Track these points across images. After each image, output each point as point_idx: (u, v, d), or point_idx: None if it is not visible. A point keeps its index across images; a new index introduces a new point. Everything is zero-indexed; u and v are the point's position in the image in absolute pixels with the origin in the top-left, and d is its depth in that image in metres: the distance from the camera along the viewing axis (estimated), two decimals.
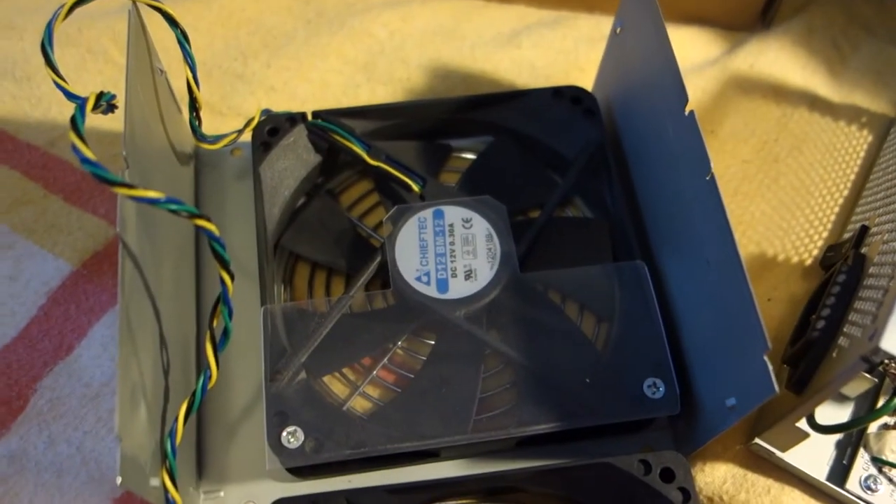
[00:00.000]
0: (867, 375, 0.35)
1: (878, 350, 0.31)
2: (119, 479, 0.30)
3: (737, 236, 0.35)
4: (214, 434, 0.43)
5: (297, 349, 0.41)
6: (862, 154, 0.54)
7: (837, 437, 0.42)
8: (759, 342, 0.32)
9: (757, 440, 0.41)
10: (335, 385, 0.43)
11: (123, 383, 0.32)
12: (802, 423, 0.38)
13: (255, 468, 0.41)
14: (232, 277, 0.35)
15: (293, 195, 0.48)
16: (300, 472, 0.41)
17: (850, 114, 0.56)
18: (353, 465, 0.41)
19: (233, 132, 0.48)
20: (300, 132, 0.49)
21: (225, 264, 0.35)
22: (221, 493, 0.41)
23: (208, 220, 0.33)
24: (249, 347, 0.44)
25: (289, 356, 0.41)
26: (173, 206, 0.32)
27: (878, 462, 0.41)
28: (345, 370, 0.43)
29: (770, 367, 0.32)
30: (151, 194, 0.31)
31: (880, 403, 0.42)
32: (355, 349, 0.43)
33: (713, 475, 0.42)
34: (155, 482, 0.34)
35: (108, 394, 0.43)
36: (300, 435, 0.38)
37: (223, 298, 0.36)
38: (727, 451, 0.43)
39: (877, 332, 0.31)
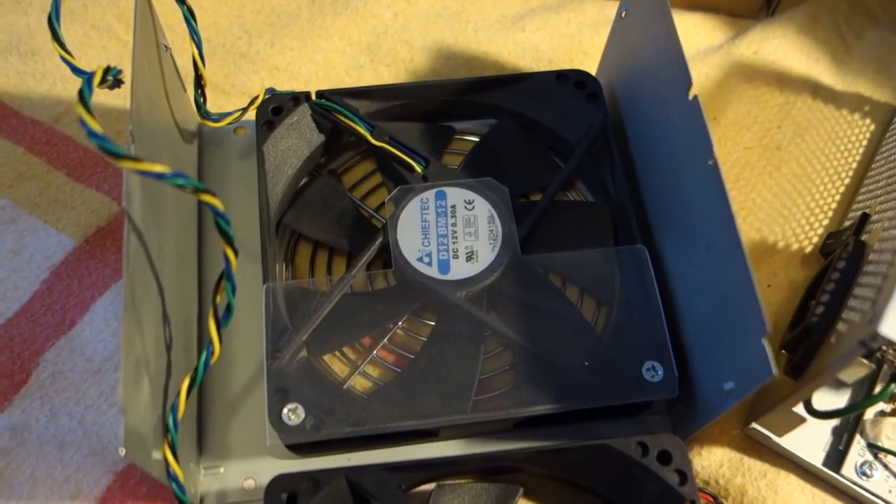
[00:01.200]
0: (865, 361, 0.35)
1: (876, 335, 0.31)
2: (122, 451, 0.30)
3: (738, 222, 0.35)
4: (215, 411, 0.43)
5: (299, 327, 0.41)
6: (864, 143, 0.55)
7: (834, 423, 0.42)
8: (759, 325, 0.32)
9: (754, 425, 0.42)
10: (336, 364, 0.43)
11: (127, 357, 0.32)
12: (799, 408, 0.39)
13: (256, 445, 0.42)
14: (236, 253, 0.35)
15: (296, 174, 0.48)
16: (300, 450, 0.41)
17: (853, 102, 0.56)
18: (353, 443, 0.41)
19: (237, 110, 0.48)
20: (304, 111, 0.49)
21: (229, 240, 0.35)
22: (221, 469, 0.42)
23: (213, 195, 0.33)
24: (250, 326, 0.44)
25: (290, 334, 0.41)
26: (179, 181, 0.32)
27: (874, 448, 0.41)
28: (345, 349, 0.44)
29: (769, 351, 0.32)
30: (158, 168, 0.31)
31: (877, 390, 0.42)
32: (356, 328, 0.43)
33: (710, 459, 0.42)
34: (157, 455, 0.34)
35: (110, 369, 0.44)
36: (301, 412, 0.38)
37: (227, 274, 0.36)
38: (724, 436, 0.43)
39: (875, 316, 0.31)
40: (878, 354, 0.34)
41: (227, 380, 0.44)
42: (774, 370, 0.32)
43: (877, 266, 0.39)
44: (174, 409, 0.36)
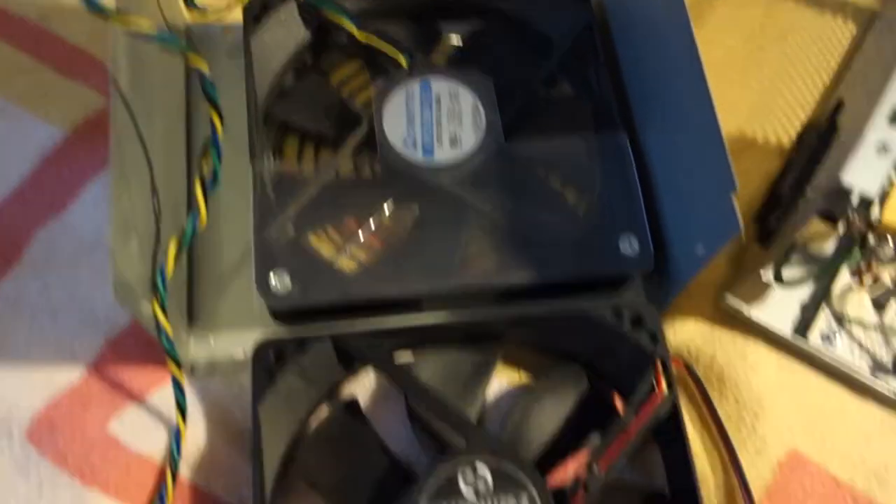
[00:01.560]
0: (828, 224, 0.36)
1: (838, 187, 0.32)
2: (113, 293, 0.31)
3: (718, 117, 0.36)
4: (205, 287, 0.44)
5: (285, 207, 0.42)
6: (846, 44, 0.55)
7: (803, 298, 0.44)
8: (727, 183, 0.34)
9: (726, 296, 0.43)
10: (322, 246, 0.44)
11: (117, 207, 0.33)
12: (769, 279, 0.40)
13: (245, 318, 0.43)
14: (222, 120, 0.36)
15: (283, 70, 0.49)
16: (287, 320, 0.43)
17: (836, 5, 0.57)
18: (338, 314, 0.42)
19: (224, 4, 0.49)
20: (291, 7, 0.49)
21: (215, 105, 0.36)
22: (211, 341, 0.43)
23: (200, 58, 0.34)
24: (240, 212, 0.44)
25: (277, 213, 0.42)
26: (167, 39, 0.33)
27: (840, 318, 0.43)
28: (331, 232, 0.44)
29: (736, 206, 0.33)
30: (145, 27, 0.32)
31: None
32: (342, 210, 0.44)
33: (683, 332, 0.44)
34: (146, 308, 0.36)
35: (101, 247, 0.44)
36: (287, 279, 0.40)
37: (212, 140, 0.37)
38: (697, 310, 0.44)
39: (838, 173, 0.33)
40: (845, 221, 0.36)
41: (216, 258, 0.45)
42: (741, 224, 0.33)
43: (847, 139, 0.40)
44: (162, 268, 0.37)
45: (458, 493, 0.36)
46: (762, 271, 0.39)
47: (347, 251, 0.44)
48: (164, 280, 0.37)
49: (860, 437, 0.41)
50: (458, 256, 0.41)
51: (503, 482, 0.36)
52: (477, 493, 0.36)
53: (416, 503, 0.35)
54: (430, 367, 0.41)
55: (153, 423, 0.41)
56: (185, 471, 0.40)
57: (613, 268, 0.41)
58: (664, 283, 0.42)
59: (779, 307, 0.43)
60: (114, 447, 0.40)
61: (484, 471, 0.37)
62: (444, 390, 0.39)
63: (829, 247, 0.41)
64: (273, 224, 0.41)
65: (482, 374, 0.41)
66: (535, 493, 0.36)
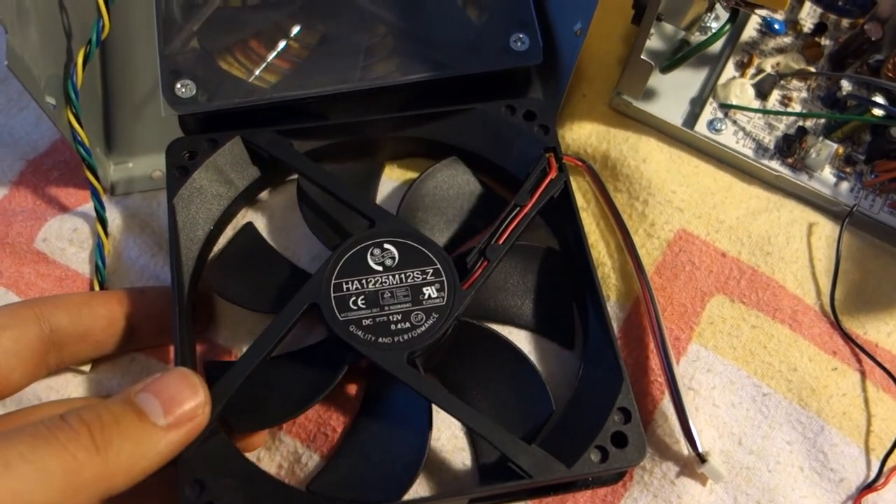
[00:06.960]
0: None
1: None
2: (6, 62, 0.33)
3: None
4: (122, 117, 0.46)
5: (188, 20, 0.43)
6: None
7: (692, 93, 0.46)
8: None
9: (616, 90, 0.46)
10: (232, 71, 0.45)
11: None
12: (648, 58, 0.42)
13: (160, 144, 0.44)
14: None
15: None
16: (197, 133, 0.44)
17: None
18: (246, 125, 0.43)
19: None
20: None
21: None
22: (130, 164, 0.45)
23: None
24: (151, 46, 0.46)
25: (181, 26, 0.43)
26: None
27: (725, 107, 0.46)
28: (239, 56, 0.46)
29: None
30: None
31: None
32: (248, 31, 0.45)
33: (580, 133, 0.46)
34: (51, 100, 0.38)
35: (12, 78, 0.45)
36: (193, 87, 0.41)
37: None
38: (593, 112, 0.47)
39: None
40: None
41: (130, 89, 0.47)
42: None
43: None
44: (72, 77, 0.39)
45: (367, 267, 0.38)
46: (642, 56, 0.41)
47: (256, 74, 0.45)
48: (74, 88, 0.39)
49: (746, 214, 0.44)
50: (360, 62, 0.43)
51: (409, 257, 0.39)
52: (384, 266, 0.38)
53: (324, 280, 0.37)
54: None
55: (77, 238, 0.42)
56: (112, 284, 0.42)
57: (506, 62, 0.43)
58: (555, 75, 0.44)
59: (668, 103, 0.46)
60: (44, 261, 0.42)
61: (391, 248, 0.39)
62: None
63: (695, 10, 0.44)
64: (178, 38, 0.42)
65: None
66: (440, 266, 0.38)
